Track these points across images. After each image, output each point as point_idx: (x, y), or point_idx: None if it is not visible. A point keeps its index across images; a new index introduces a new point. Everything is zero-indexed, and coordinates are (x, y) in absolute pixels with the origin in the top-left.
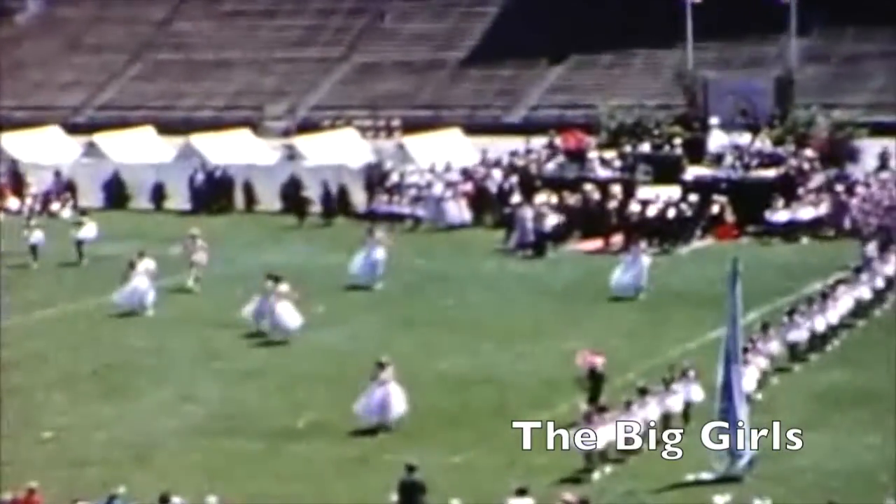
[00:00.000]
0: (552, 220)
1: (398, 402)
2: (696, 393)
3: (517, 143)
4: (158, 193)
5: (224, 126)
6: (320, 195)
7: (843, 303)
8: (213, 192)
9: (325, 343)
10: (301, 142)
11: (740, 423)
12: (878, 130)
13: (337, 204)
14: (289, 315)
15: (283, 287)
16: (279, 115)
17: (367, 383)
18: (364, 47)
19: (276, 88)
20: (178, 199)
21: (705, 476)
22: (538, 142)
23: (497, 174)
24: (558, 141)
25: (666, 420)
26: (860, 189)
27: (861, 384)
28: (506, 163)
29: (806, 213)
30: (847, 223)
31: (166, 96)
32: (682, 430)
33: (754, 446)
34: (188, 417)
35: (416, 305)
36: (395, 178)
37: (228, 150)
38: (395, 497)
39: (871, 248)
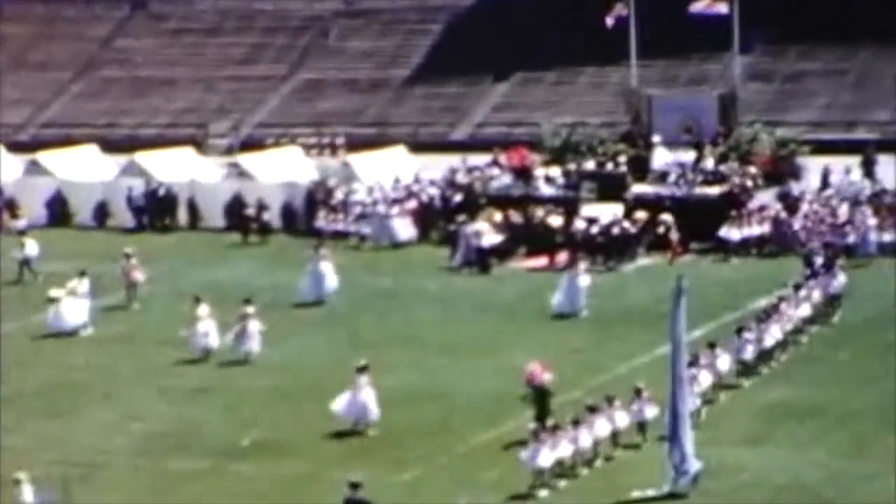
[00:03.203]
0: (497, 238)
1: (375, 407)
2: (650, 411)
3: (465, 160)
4: (101, 211)
5: (168, 144)
6: (263, 213)
7: (788, 319)
8: (157, 210)
9: (272, 361)
10: (245, 159)
11: (684, 440)
12: (821, 148)
13: (281, 221)
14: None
15: (250, 308)
16: (223, 133)
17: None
18: (309, 65)
19: (221, 106)
20: (122, 216)
21: (651, 492)
22: (483, 159)
23: (434, 191)
24: (503, 158)
25: (614, 437)
26: (803, 206)
27: (806, 400)
28: (450, 180)
29: (750, 230)
30: (790, 240)
31: (111, 114)
32: (632, 447)
33: (699, 462)
34: (134, 436)
35: (362, 322)
36: (339, 195)
37: (172, 167)
38: None
39: (816, 264)
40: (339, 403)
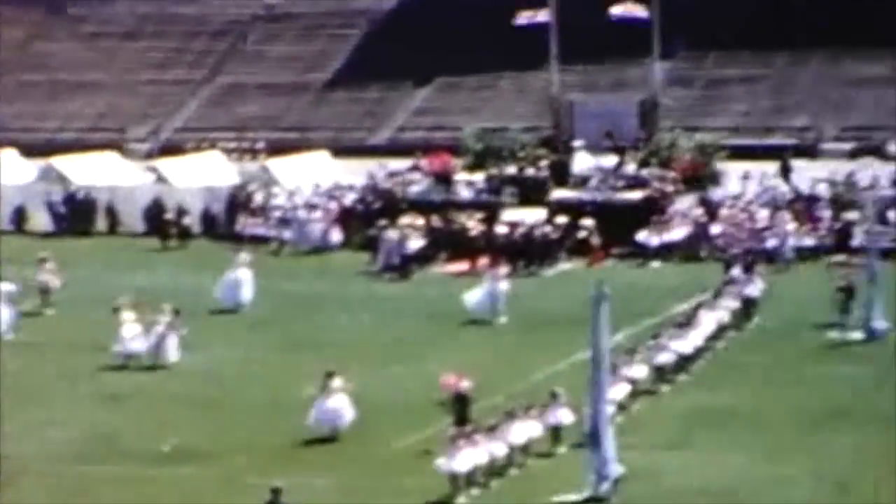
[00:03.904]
0: (418, 243)
1: (349, 410)
2: (566, 416)
3: (385, 164)
4: (19, 215)
5: (87, 148)
6: (183, 217)
7: (707, 324)
8: (76, 214)
9: (191, 366)
10: (165, 164)
11: (606, 445)
12: (741, 153)
13: (201, 226)
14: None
15: (170, 314)
16: (143, 137)
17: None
18: (228, 69)
19: (140, 110)
20: (40, 220)
21: (570, 498)
22: (404, 164)
23: (355, 196)
24: (423, 163)
25: (532, 443)
26: (723, 211)
27: (723, 405)
28: (371, 185)
29: (670, 235)
30: (710, 245)
31: (29, 118)
32: (549, 453)
33: (621, 467)
34: (52, 442)
35: (281, 327)
36: (259, 200)
37: (91, 171)
38: None
39: (735, 269)
40: (311, 417)
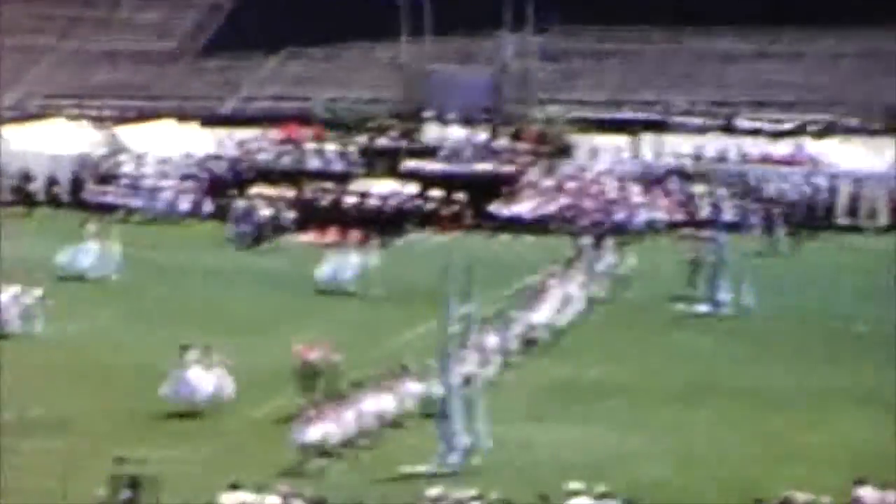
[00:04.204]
0: (268, 212)
1: (206, 384)
2: (417, 387)
3: (234, 134)
4: None
5: None
6: (29, 184)
7: (558, 297)
8: None
9: (44, 337)
10: (9, 131)
11: (455, 416)
12: (591, 127)
13: (47, 194)
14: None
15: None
16: None
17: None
18: (75, 35)
19: None
20: None
21: (421, 468)
22: (253, 133)
23: (205, 164)
24: (273, 133)
25: (384, 413)
26: (573, 184)
27: (572, 377)
28: (220, 154)
29: (521, 207)
30: (561, 218)
31: None
32: (401, 424)
33: (472, 439)
34: None
35: (132, 297)
36: (107, 167)
37: None
38: (107, 491)
39: (585, 242)
40: (167, 388)
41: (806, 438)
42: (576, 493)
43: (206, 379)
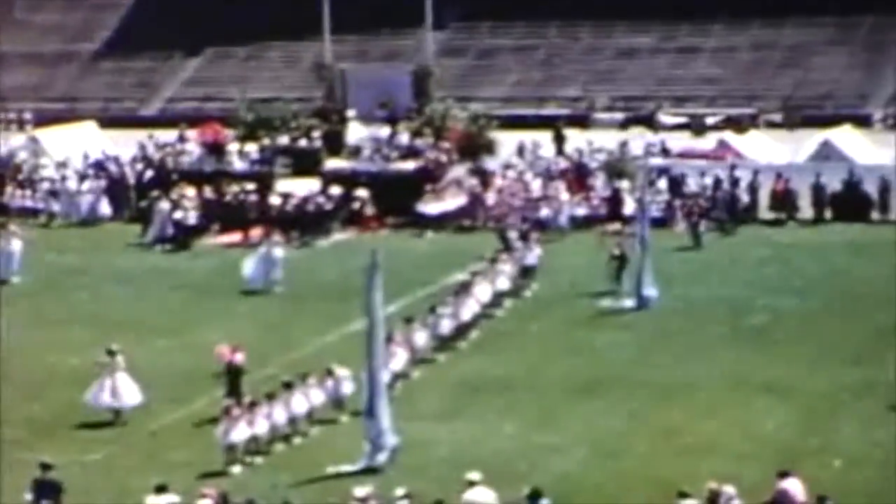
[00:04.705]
0: (190, 214)
1: (131, 391)
2: (346, 386)
3: (154, 136)
4: None
5: None
6: None
7: (482, 293)
8: None
9: None
10: None
11: (381, 415)
12: (514, 123)
13: None
14: None
15: None
16: None
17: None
18: None
19: None
20: None
21: (346, 468)
22: (175, 135)
23: (125, 167)
24: (192, 134)
25: (309, 414)
26: (497, 181)
27: (498, 373)
28: (142, 156)
29: (444, 205)
30: (485, 215)
31: None
32: (330, 422)
33: (396, 438)
34: None
35: (48, 301)
36: (27, 171)
37: None
38: (29, 496)
39: (511, 238)
40: (90, 393)
41: (709, 429)
42: (473, 484)
43: (127, 384)
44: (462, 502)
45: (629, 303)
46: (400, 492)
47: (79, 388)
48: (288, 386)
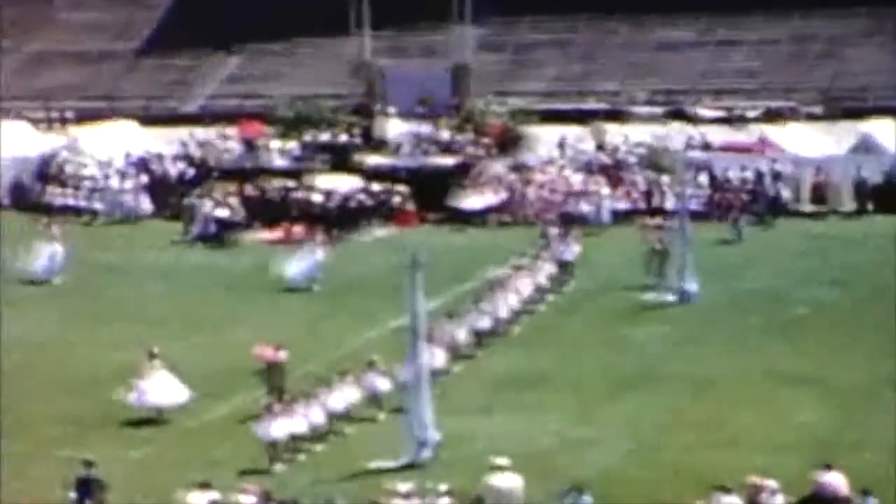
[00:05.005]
0: (231, 211)
1: (175, 390)
2: (383, 383)
3: (195, 133)
4: None
5: None
6: None
7: (523, 288)
8: None
9: (1, 338)
10: None
11: (423, 411)
12: (553, 118)
13: (10, 197)
14: None
15: None
16: None
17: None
18: (34, 37)
19: None
20: None
21: (389, 464)
22: (215, 132)
23: (167, 165)
24: (232, 131)
25: (349, 410)
26: (537, 176)
27: (539, 368)
28: (183, 154)
29: (485, 200)
30: (525, 210)
31: None
32: (369, 419)
33: (437, 433)
34: None
35: (91, 298)
36: (70, 170)
37: None
38: (73, 494)
39: (551, 233)
40: (132, 395)
41: (749, 421)
42: (500, 469)
43: (169, 383)
44: (487, 486)
45: (670, 297)
46: (442, 487)
47: (121, 385)
48: (326, 382)
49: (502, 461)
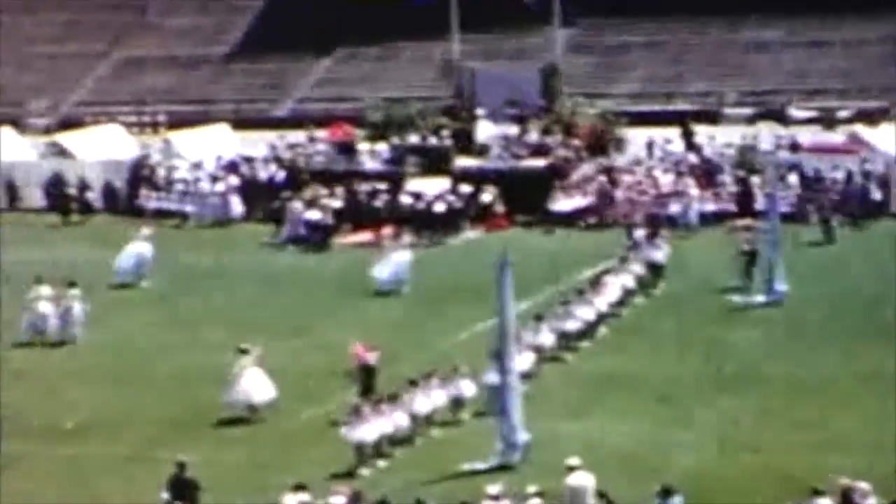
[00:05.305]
0: (322, 214)
1: (264, 387)
2: (468, 386)
3: (285, 136)
4: None
5: None
6: (85, 192)
7: (612, 291)
8: None
9: (94, 341)
10: (65, 138)
11: (513, 413)
12: (642, 120)
13: (103, 201)
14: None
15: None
16: (41, 112)
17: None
18: (127, 42)
19: (38, 85)
20: None
21: (479, 466)
22: (306, 135)
23: (257, 168)
24: (323, 134)
25: (436, 412)
26: (626, 178)
27: (629, 370)
28: (273, 157)
29: (574, 202)
30: (614, 212)
31: None
32: (454, 422)
33: (526, 435)
34: None
35: (183, 301)
36: (162, 173)
37: None
38: (166, 495)
39: (639, 235)
40: (226, 394)
41: (841, 424)
42: (573, 469)
43: (261, 382)
44: (566, 487)
45: (760, 298)
46: (532, 489)
47: (214, 387)
48: (413, 385)
49: (573, 461)
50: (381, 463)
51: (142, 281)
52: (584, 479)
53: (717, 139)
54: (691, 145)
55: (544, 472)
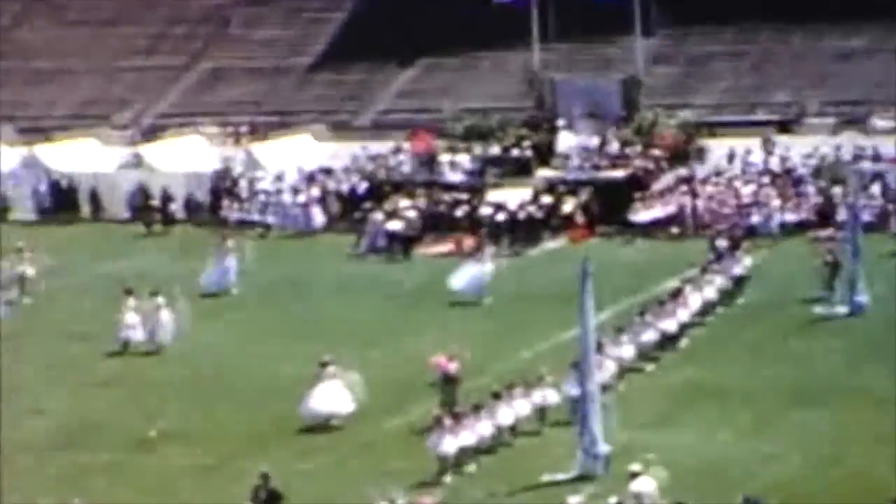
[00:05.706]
0: (404, 224)
1: (343, 399)
2: (551, 395)
3: (367, 147)
4: (2, 204)
5: (69, 135)
6: (168, 203)
7: (693, 301)
8: (59, 202)
9: (178, 352)
10: (148, 150)
11: (594, 423)
12: (724, 130)
13: (186, 212)
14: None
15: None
16: (125, 124)
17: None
18: (211, 54)
19: (122, 97)
20: (23, 209)
21: (560, 476)
22: (388, 146)
23: (339, 178)
24: (407, 145)
25: (519, 422)
26: (707, 188)
27: (711, 381)
28: (355, 167)
29: (655, 212)
30: (695, 222)
31: (10, 106)
32: (535, 432)
33: (608, 445)
34: (40, 430)
35: (267, 312)
36: (244, 184)
37: (74, 159)
38: None
39: (721, 246)
40: (304, 406)
41: None
42: (636, 475)
43: (340, 392)
44: (629, 492)
45: (842, 309)
46: (613, 500)
47: (296, 398)
48: (496, 396)
49: (636, 466)
50: (464, 473)
51: (226, 292)
52: (647, 485)
53: (799, 149)
54: (772, 155)
55: (625, 483)
